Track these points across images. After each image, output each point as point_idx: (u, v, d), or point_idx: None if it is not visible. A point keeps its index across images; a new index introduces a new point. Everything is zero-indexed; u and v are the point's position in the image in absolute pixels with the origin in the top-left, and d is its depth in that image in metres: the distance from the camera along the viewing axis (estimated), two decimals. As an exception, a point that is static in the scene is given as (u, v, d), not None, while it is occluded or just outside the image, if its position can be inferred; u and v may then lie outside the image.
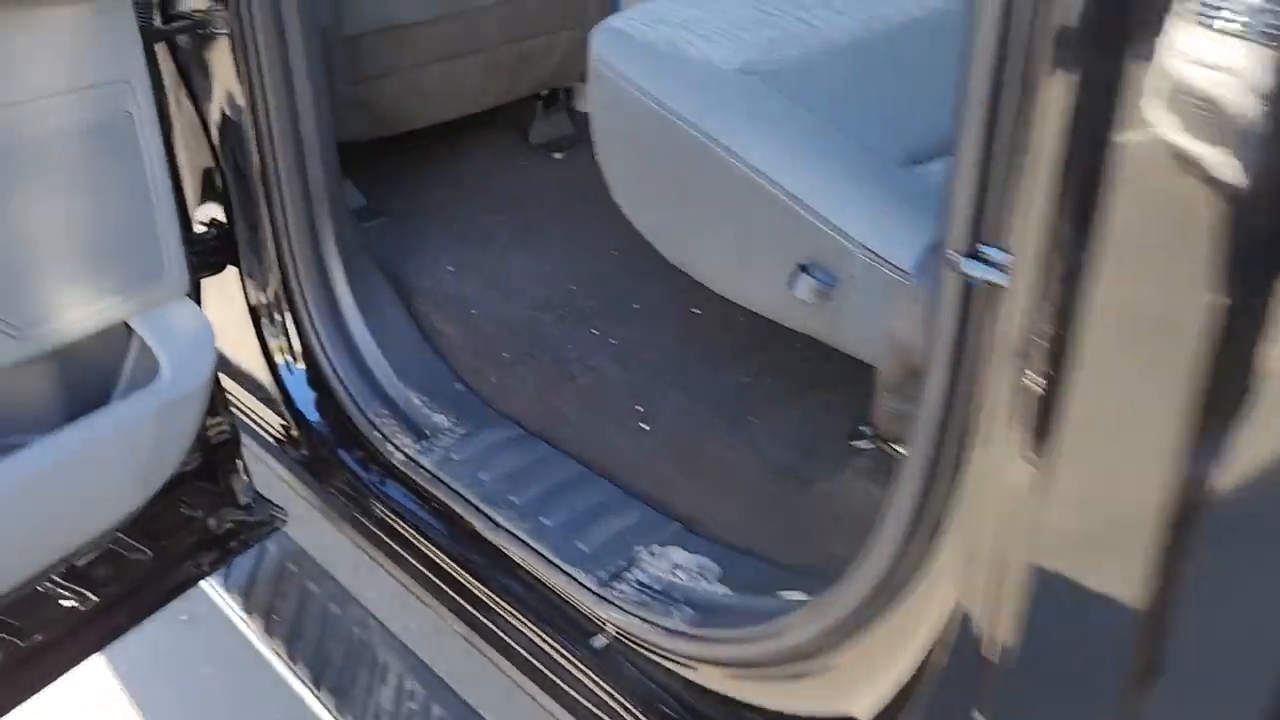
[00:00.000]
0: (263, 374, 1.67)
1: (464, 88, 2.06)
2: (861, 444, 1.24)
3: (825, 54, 1.33)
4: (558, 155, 2.28)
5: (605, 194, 2.12)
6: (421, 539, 1.49)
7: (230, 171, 1.60)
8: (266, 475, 1.78)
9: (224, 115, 1.57)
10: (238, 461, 1.69)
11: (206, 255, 1.60)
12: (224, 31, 1.45)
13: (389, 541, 1.55)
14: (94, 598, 1.53)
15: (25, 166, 1.13)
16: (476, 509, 1.42)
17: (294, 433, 1.67)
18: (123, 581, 1.54)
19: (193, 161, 1.63)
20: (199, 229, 1.62)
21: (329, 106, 1.57)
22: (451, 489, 1.46)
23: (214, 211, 1.64)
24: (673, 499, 1.38)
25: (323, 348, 1.59)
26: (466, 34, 1.99)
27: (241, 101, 1.51)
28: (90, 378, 1.31)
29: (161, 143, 1.28)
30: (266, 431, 1.77)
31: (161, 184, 1.28)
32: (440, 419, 1.58)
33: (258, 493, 1.75)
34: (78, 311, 1.23)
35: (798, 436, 1.37)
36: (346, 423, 1.59)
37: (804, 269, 1.10)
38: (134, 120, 1.23)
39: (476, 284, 1.81)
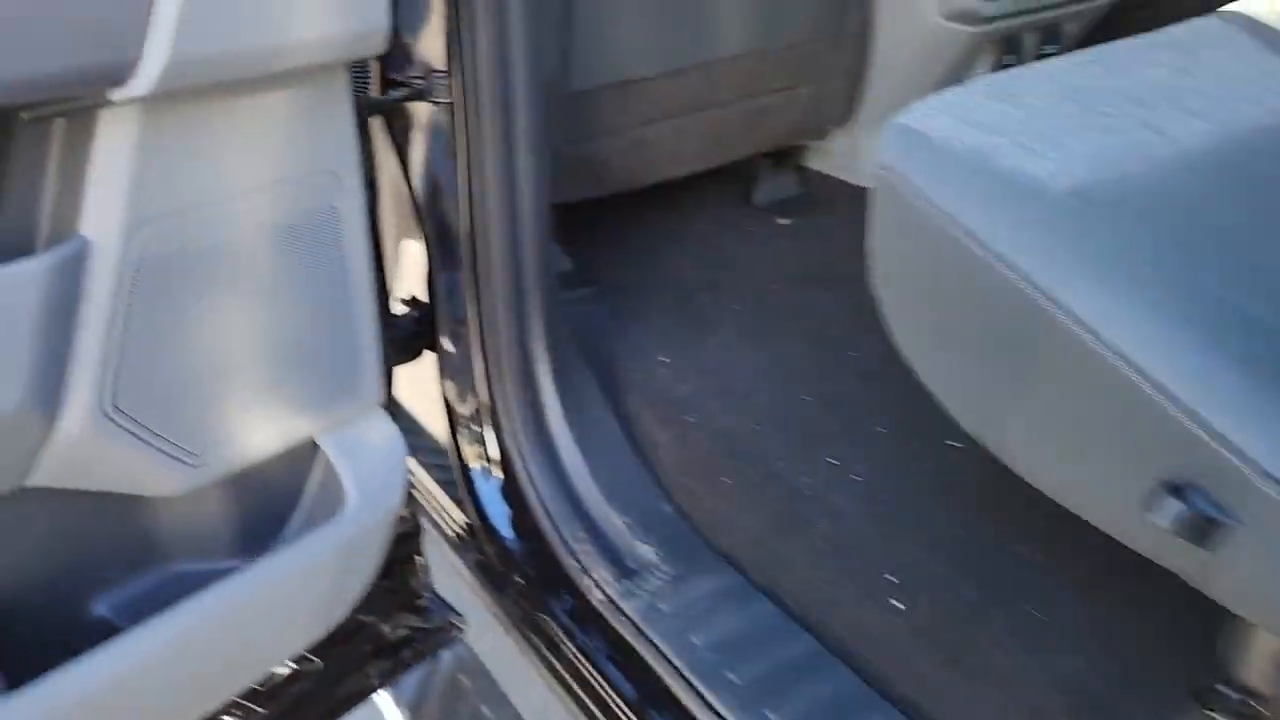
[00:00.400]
0: (453, 470, 1.50)
1: (692, 146, 1.84)
2: (1218, 717, 0.95)
3: (1184, 174, 1.04)
4: (783, 220, 2.04)
5: (838, 276, 1.87)
6: (618, 698, 1.28)
7: (436, 246, 1.43)
8: (444, 569, 1.62)
9: (435, 185, 1.40)
10: (417, 558, 1.53)
11: (405, 341, 1.44)
12: (445, 101, 1.28)
13: (578, 690, 1.34)
14: (260, 710, 1.38)
15: (212, 275, 0.97)
16: (687, 682, 1.20)
17: (482, 542, 1.49)
18: (290, 695, 1.39)
19: (397, 235, 1.47)
20: (398, 309, 1.46)
21: (549, 171, 1.38)
22: (657, 648, 1.24)
23: (415, 289, 1.48)
24: (933, 705, 1.12)
25: (522, 457, 1.40)
26: (700, 89, 1.77)
27: (456, 170, 1.34)
28: (269, 498, 1.15)
29: (368, 240, 1.10)
30: (449, 525, 1.60)
31: (363, 287, 1.11)
32: (646, 550, 1.36)
33: (436, 593, 1.59)
34: (262, 433, 1.07)
35: (1104, 652, 1.09)
36: (542, 544, 1.39)
37: (1174, 490, 0.82)
38: (339, 217, 1.06)
39: (693, 381, 1.58)
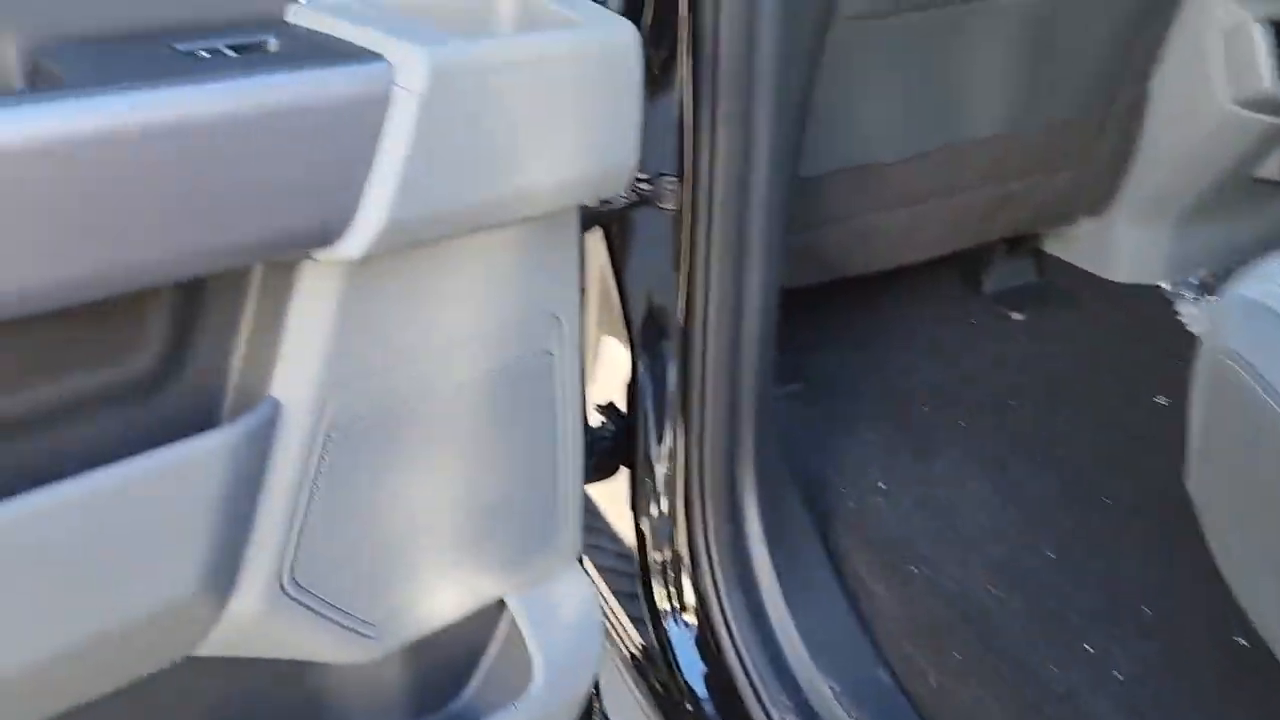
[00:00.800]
0: (641, 602, 1.35)
1: (926, 233, 1.64)
2: None
3: None
4: (1017, 315, 1.81)
5: (1085, 393, 1.63)
6: None
7: (644, 355, 1.28)
8: (616, 686, 1.47)
9: (649, 291, 1.26)
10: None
11: (600, 457, 1.30)
12: (671, 208, 1.13)
13: None
14: None
15: (409, 433, 0.84)
16: None
17: (666, 680, 1.33)
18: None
19: (597, 332, 1.33)
20: (594, 420, 1.32)
21: (778, 281, 1.22)
22: None
23: (614, 395, 1.33)
24: None
25: (720, 602, 1.24)
26: (942, 174, 1.57)
27: (676, 279, 1.19)
28: (447, 659, 1.02)
29: (580, 382, 0.96)
30: (626, 642, 1.46)
31: (572, 435, 0.97)
32: (856, 727, 1.19)
33: (606, 717, 1.45)
34: (448, 598, 0.94)
35: None
36: (739, 706, 1.23)
37: None
38: (554, 361, 0.92)
39: (915, 519, 1.39)
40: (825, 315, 1.77)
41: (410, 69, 0.65)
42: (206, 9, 0.67)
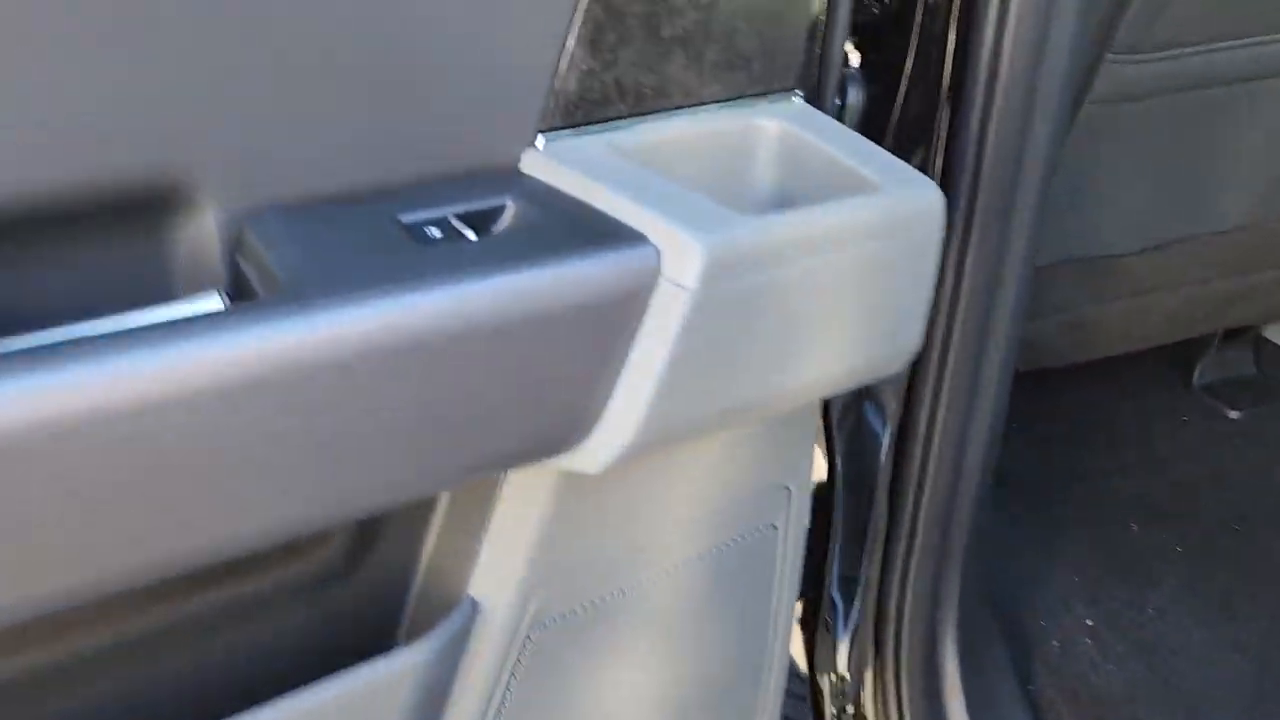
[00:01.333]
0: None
1: (1144, 327, 1.46)
2: None
3: None
4: (1233, 413, 1.61)
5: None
6: None
7: (847, 473, 1.14)
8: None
9: (862, 401, 1.12)
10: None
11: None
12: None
13: None
14: None
15: (613, 627, 0.73)
16: None
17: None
18: None
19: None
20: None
21: (1009, 394, 1.07)
22: None
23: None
24: None
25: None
26: (1179, 266, 1.38)
27: (900, 390, 1.05)
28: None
29: (802, 554, 0.83)
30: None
31: (786, 607, 0.84)
32: None
33: None
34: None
35: None
36: None
37: None
38: (778, 535, 0.79)
39: (1129, 667, 1.22)
40: (1019, 402, 1.59)
41: (682, 260, 0.52)
42: (432, 164, 0.55)
